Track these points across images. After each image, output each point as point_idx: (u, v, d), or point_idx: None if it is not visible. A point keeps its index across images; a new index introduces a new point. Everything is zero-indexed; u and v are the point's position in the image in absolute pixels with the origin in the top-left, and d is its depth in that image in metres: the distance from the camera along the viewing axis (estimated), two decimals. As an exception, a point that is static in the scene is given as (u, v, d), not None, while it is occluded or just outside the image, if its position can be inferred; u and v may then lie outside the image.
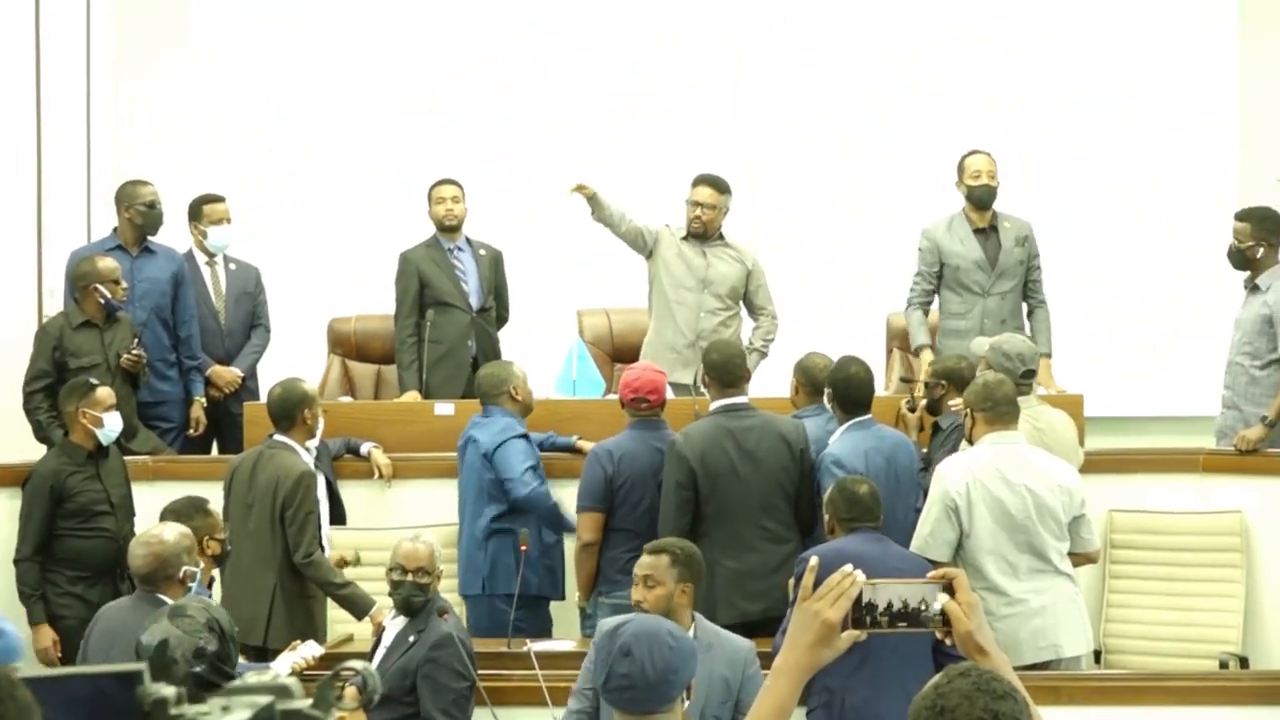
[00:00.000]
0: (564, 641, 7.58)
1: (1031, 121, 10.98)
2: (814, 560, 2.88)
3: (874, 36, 11.12)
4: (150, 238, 9.19)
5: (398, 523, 8.03)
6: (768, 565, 7.29)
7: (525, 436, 7.91)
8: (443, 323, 9.09)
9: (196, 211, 9.43)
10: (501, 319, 9.41)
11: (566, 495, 7.96)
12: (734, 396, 7.64)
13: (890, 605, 2.81)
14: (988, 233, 8.94)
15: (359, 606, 7.37)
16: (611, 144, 11.06)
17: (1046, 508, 6.89)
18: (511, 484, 7.78)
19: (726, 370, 7.67)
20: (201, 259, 9.45)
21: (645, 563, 6.23)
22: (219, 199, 9.48)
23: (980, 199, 8.91)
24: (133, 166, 9.96)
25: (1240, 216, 8.62)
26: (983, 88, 11.03)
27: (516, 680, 6.85)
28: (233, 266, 9.53)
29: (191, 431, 9.18)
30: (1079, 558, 7.05)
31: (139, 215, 9.11)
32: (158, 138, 10.92)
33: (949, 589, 2.83)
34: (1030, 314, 8.96)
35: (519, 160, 11.08)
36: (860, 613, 2.80)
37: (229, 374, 9.31)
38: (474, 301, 9.20)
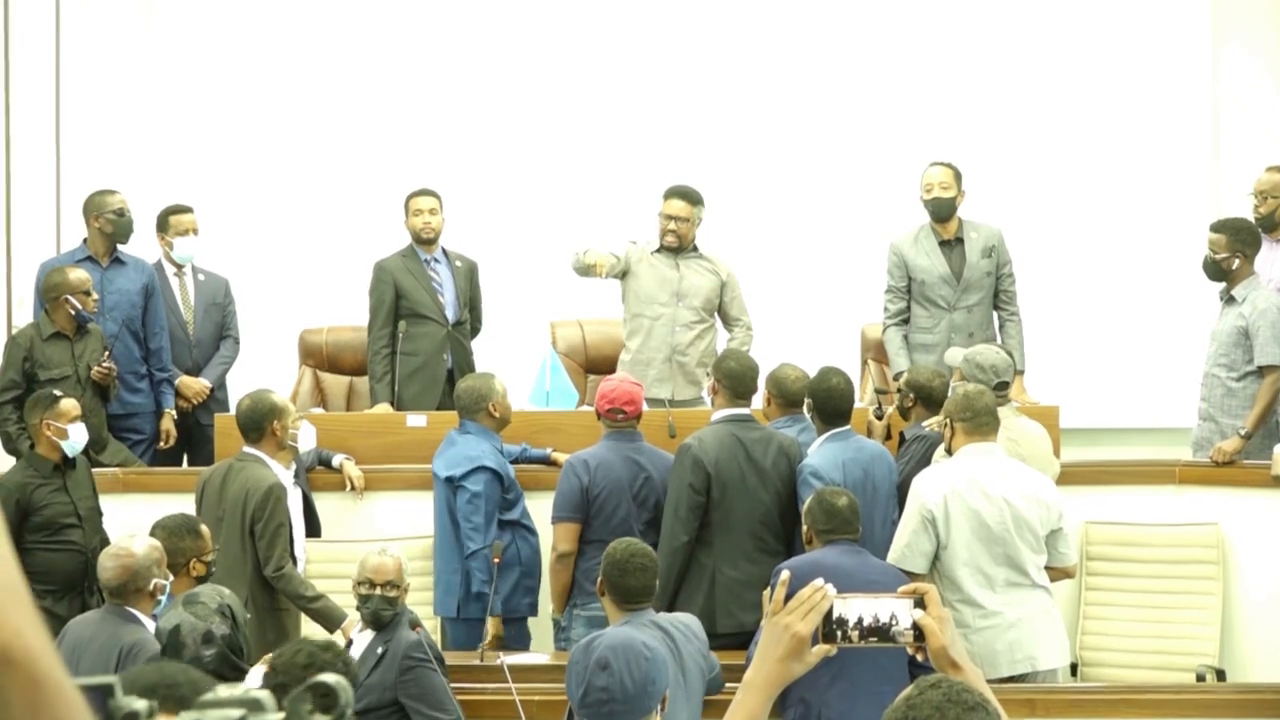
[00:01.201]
0: (538, 655, 7.56)
1: (1005, 130, 10.99)
2: (785, 574, 2.89)
3: (852, 45, 11.12)
4: (121, 248, 9.17)
5: (369, 535, 8.00)
6: (764, 577, 7.28)
7: (490, 469, 7.81)
8: (417, 335, 9.06)
9: (163, 222, 9.42)
10: (475, 330, 9.39)
11: (540, 507, 7.96)
12: (741, 407, 7.67)
13: (861, 620, 2.81)
14: (953, 244, 8.93)
15: (331, 619, 7.36)
16: (588, 153, 11.05)
17: (1024, 520, 6.90)
18: (463, 536, 7.78)
19: (742, 381, 7.72)
20: (170, 270, 9.44)
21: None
22: (186, 210, 9.46)
23: (934, 212, 8.90)
24: (103, 176, 9.92)
25: (1215, 228, 8.64)
26: (957, 98, 11.03)
27: (490, 694, 6.83)
28: (201, 277, 9.51)
29: (161, 444, 9.15)
30: (1055, 572, 7.04)
31: (108, 224, 9.09)
32: (127, 147, 10.88)
33: (920, 604, 2.83)
34: (1001, 327, 8.94)
35: (491, 169, 11.07)
36: (831, 627, 2.80)
37: (196, 384, 9.29)
38: (450, 315, 9.16)
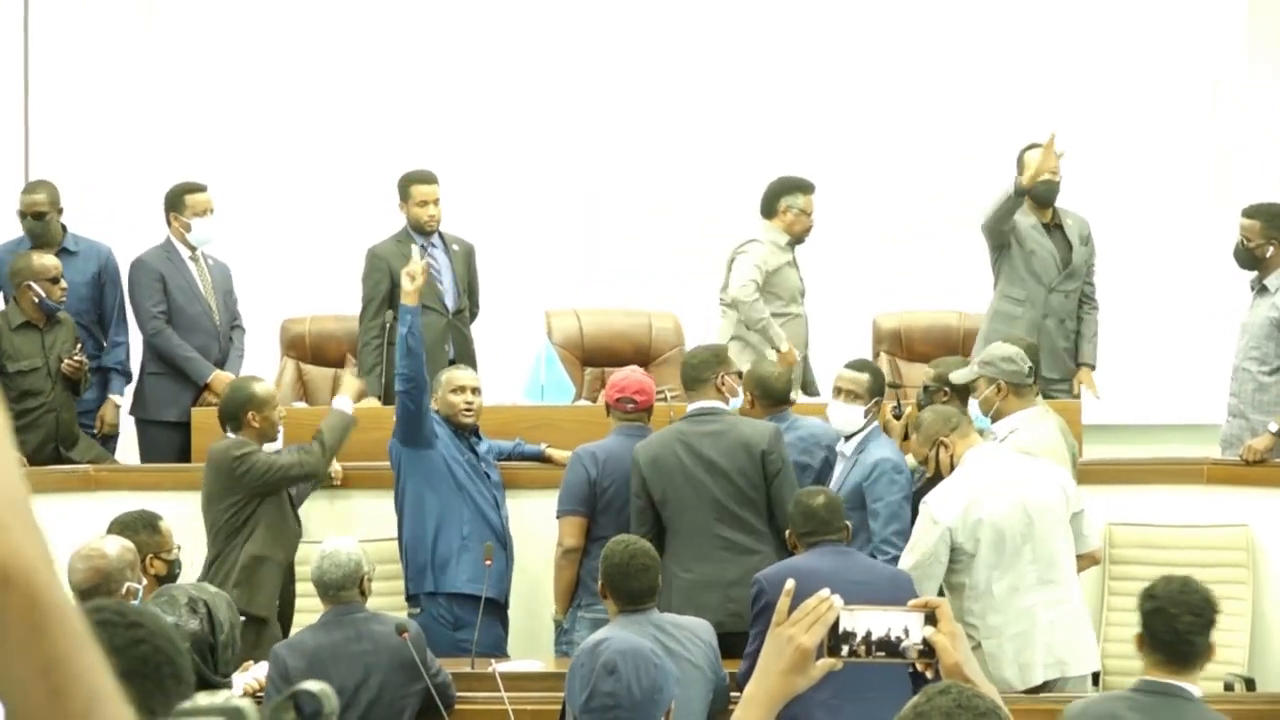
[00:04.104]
0: (531, 662, 7.51)
1: (1032, 119, 10.96)
2: (790, 584, 2.86)
3: (860, 37, 11.08)
4: (77, 232, 9.06)
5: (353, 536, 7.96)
6: (724, 577, 7.27)
7: None
8: None
9: (177, 201, 9.06)
10: (472, 315, 9.31)
11: (533, 507, 7.93)
12: (702, 400, 7.63)
13: (869, 633, 2.80)
14: (1052, 229, 8.91)
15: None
16: (585, 129, 11.00)
17: (1048, 509, 6.88)
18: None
19: (694, 373, 7.72)
20: (184, 253, 9.08)
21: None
22: (202, 188, 9.14)
23: (1041, 195, 8.82)
24: (69, 157, 9.87)
25: (1248, 213, 8.62)
26: (975, 89, 11.01)
27: (481, 703, 6.82)
28: (210, 263, 9.23)
29: (96, 431, 8.99)
30: (1082, 560, 7.03)
31: (25, 224, 9.00)
32: (94, 127, 10.81)
33: (932, 619, 2.81)
34: (1081, 320, 8.97)
35: (480, 147, 11.00)
36: (836, 640, 2.78)
37: (229, 379, 8.99)
38: (449, 302, 9.03)
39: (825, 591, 2.79)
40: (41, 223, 8.93)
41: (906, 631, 2.79)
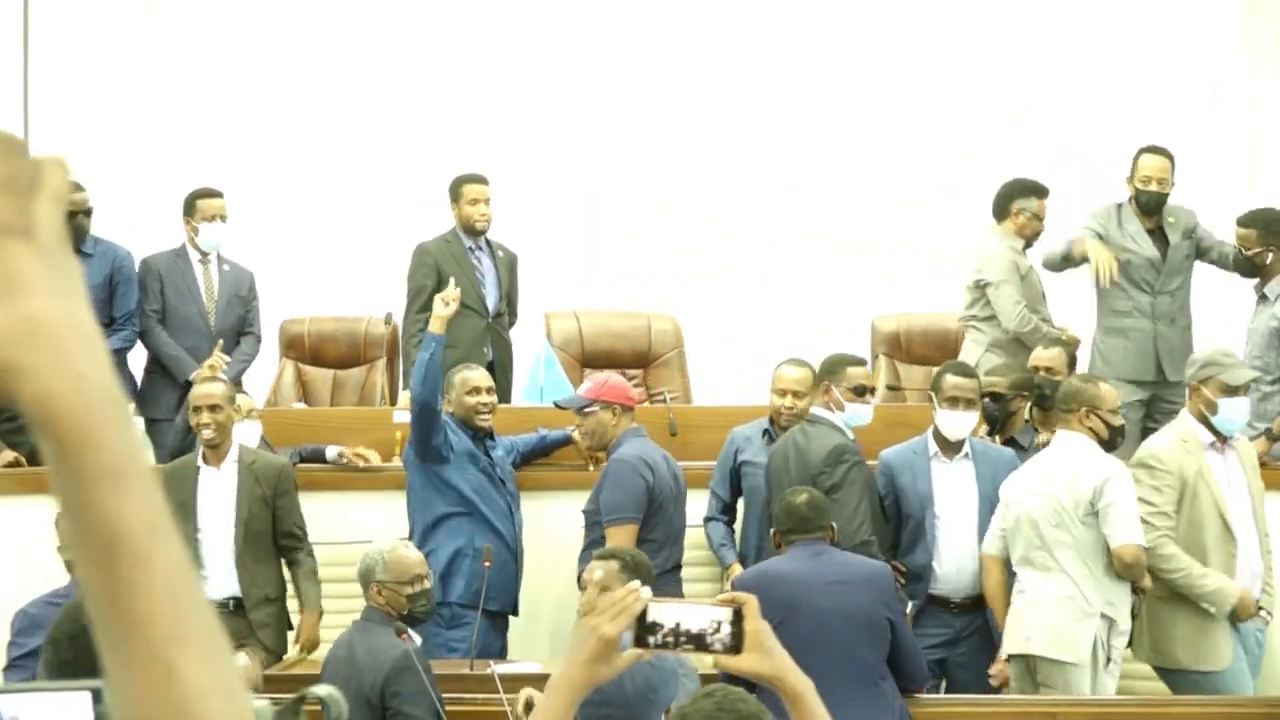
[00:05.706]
0: (530, 664, 7.54)
1: (1033, 120, 11.00)
2: (598, 574, 2.93)
3: (860, 39, 11.12)
4: (95, 234, 9.10)
5: (351, 537, 7.96)
6: None
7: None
8: (457, 326, 8.79)
9: (189, 206, 9.21)
10: (510, 322, 9.34)
11: (533, 509, 7.97)
12: (816, 405, 7.67)
13: (679, 625, 2.86)
14: (1154, 232, 8.81)
15: None
16: (585, 133, 11.04)
17: (1057, 502, 7.06)
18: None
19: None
20: (194, 256, 9.23)
21: (594, 566, 6.28)
22: (215, 194, 9.26)
23: (1146, 206, 8.77)
24: (68, 158, 9.87)
25: (1244, 222, 8.60)
26: (975, 89, 11.05)
27: (480, 704, 6.84)
28: (226, 268, 9.30)
29: None
30: (1116, 561, 7.08)
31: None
32: (93, 128, 10.85)
33: (738, 615, 2.86)
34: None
35: (482, 152, 11.01)
36: (643, 630, 2.85)
37: None
38: (490, 305, 9.09)
39: (636, 583, 2.85)
40: (74, 222, 8.91)
41: (717, 625, 2.85)
